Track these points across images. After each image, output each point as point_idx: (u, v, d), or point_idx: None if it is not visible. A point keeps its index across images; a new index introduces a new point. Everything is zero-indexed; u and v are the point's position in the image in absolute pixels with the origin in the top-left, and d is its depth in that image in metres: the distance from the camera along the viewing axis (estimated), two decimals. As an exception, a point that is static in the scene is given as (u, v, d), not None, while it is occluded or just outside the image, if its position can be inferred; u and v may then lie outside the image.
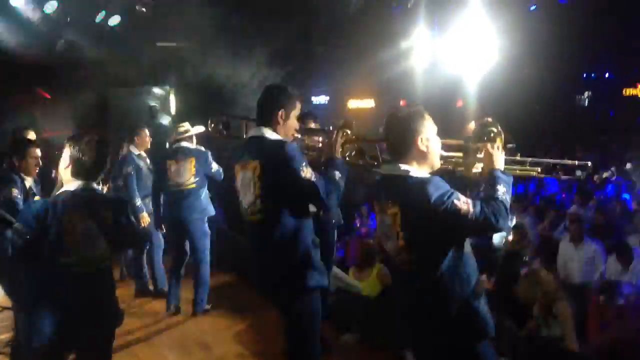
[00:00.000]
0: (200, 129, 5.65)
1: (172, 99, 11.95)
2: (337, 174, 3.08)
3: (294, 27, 9.43)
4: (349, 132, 3.23)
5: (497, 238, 8.25)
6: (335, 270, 5.58)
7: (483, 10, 10.52)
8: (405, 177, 2.54)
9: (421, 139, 2.58)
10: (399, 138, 2.63)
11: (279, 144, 3.03)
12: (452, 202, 2.39)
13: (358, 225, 9.78)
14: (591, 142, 16.57)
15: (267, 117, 3.13)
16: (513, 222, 7.84)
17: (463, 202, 2.41)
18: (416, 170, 2.58)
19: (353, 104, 20.14)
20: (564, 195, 10.60)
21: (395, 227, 2.55)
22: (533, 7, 12.84)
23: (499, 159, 2.71)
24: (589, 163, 3.38)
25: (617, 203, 9.11)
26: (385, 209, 2.60)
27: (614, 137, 16.97)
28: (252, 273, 3.31)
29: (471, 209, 2.40)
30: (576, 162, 3.31)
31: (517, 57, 13.10)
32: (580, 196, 8.81)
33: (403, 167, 2.58)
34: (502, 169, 2.68)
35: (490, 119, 2.89)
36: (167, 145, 6.14)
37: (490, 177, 2.62)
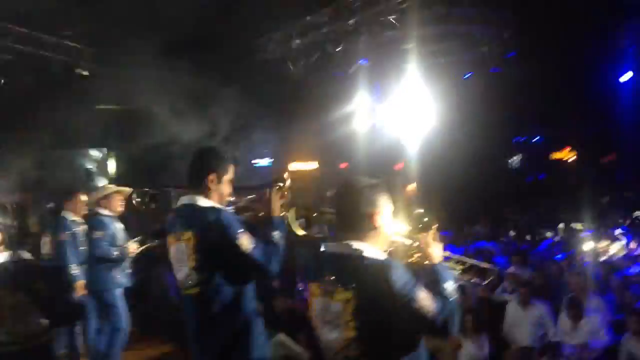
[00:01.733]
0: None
1: (111, 163, 11.71)
2: (277, 234, 2.93)
3: (237, 90, 9.50)
4: (282, 185, 3.07)
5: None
6: (282, 337, 5.44)
7: (421, 77, 10.98)
8: (360, 258, 2.24)
9: (379, 214, 2.32)
10: (353, 210, 2.32)
11: (212, 212, 2.87)
12: (415, 293, 2.14)
13: (301, 288, 9.62)
14: (525, 203, 17.21)
15: (197, 182, 2.97)
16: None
17: (424, 297, 2.15)
18: (370, 250, 2.28)
19: (295, 166, 20.27)
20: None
21: (345, 316, 2.20)
22: (467, 75, 13.51)
23: (436, 250, 2.55)
24: (497, 270, 3.36)
25: (553, 263, 9.40)
26: (332, 292, 2.25)
27: (544, 199, 17.72)
28: (190, 349, 3.10)
29: (432, 306, 2.15)
30: (487, 266, 3.28)
31: (453, 121, 13.66)
32: (518, 257, 9.04)
33: (355, 244, 2.27)
34: (440, 261, 2.52)
35: (422, 210, 2.73)
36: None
37: (433, 272, 2.40)
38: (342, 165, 16.09)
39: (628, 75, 15.33)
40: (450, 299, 2.24)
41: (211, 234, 2.80)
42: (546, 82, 15.28)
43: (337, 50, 11.62)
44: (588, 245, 10.09)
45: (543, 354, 5.86)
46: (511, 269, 8.01)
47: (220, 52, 10.44)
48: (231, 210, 3.04)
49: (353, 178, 2.45)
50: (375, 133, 13.53)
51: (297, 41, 11.62)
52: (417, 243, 2.63)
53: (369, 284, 2.16)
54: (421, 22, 10.11)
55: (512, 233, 13.76)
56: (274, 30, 11.81)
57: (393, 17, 10.39)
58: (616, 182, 22.32)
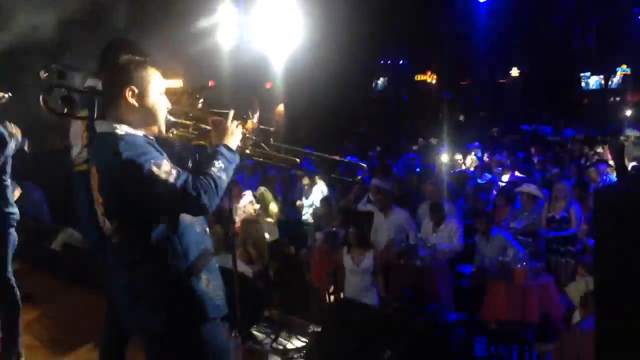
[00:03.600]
0: None
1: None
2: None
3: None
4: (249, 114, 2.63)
5: (307, 213, 8.55)
6: None
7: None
8: (108, 135, 2.17)
9: (132, 90, 2.19)
10: (107, 87, 2.27)
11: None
12: (149, 165, 2.07)
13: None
14: (389, 122, 17.87)
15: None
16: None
17: (164, 171, 2.08)
18: (127, 129, 2.18)
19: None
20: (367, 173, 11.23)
21: (97, 190, 2.23)
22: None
23: (233, 136, 2.37)
24: (365, 165, 3.22)
25: (412, 174, 9.89)
26: (93, 169, 2.27)
27: (408, 119, 18.55)
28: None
29: (171, 179, 2.08)
30: (352, 162, 3.14)
31: (320, 39, 13.54)
32: (381, 169, 9.35)
33: (113, 124, 2.18)
34: (233, 147, 2.34)
35: (254, 98, 2.61)
36: None
37: (212, 151, 2.30)
38: (210, 84, 15.49)
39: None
40: (212, 175, 2.18)
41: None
42: (407, 7, 15.62)
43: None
44: (444, 158, 10.70)
45: (401, 256, 6.15)
46: (374, 181, 8.27)
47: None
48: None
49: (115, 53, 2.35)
50: (242, 50, 13.07)
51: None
52: (199, 123, 2.45)
53: (102, 157, 2.18)
54: None
55: (377, 149, 14.27)
56: None
57: None
58: (473, 103, 23.88)
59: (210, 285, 2.25)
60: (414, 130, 16.32)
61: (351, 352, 3.35)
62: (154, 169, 2.07)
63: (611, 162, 8.46)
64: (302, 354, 3.89)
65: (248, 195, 8.04)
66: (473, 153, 12.36)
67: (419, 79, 24.95)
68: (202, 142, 2.47)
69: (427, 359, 3.16)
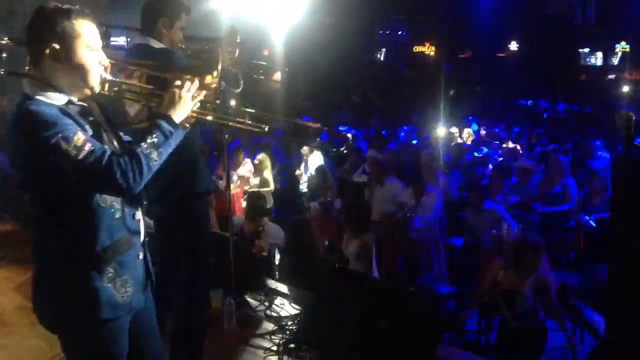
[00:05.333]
0: None
1: None
2: (222, 84, 2.60)
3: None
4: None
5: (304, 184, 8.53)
6: None
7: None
8: (20, 103, 1.91)
9: (53, 46, 1.91)
10: (28, 45, 1.97)
11: (166, 52, 2.85)
12: (56, 139, 1.81)
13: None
14: (387, 93, 17.75)
15: (151, 25, 2.91)
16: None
17: (74, 146, 1.81)
18: (42, 97, 1.91)
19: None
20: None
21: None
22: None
23: (180, 106, 2.03)
24: (349, 136, 3.18)
25: (409, 146, 9.87)
26: None
27: (406, 90, 18.44)
28: None
29: (81, 155, 1.82)
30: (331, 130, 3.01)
31: (321, 9, 13.33)
32: (377, 141, 9.34)
33: (30, 89, 1.93)
34: (176, 120, 2.01)
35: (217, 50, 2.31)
36: None
37: (150, 123, 1.99)
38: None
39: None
40: (141, 153, 1.90)
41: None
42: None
43: None
44: (441, 131, 10.67)
45: (396, 227, 6.17)
46: (370, 152, 8.25)
47: None
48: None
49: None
50: (239, 16, 12.82)
51: None
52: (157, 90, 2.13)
53: (10, 126, 1.89)
54: None
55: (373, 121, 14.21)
56: None
57: None
58: (470, 76, 23.72)
59: (117, 281, 1.98)
60: (410, 102, 16.23)
61: (345, 321, 3.37)
62: (62, 143, 1.81)
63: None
64: (296, 322, 3.91)
65: (248, 164, 8.02)
66: (470, 127, 12.35)
67: (417, 50, 24.72)
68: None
69: (420, 331, 3.18)
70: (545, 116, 17.95)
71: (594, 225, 6.06)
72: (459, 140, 11.18)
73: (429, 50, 24.80)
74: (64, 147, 1.82)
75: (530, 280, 4.17)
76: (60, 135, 1.82)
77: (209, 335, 3.20)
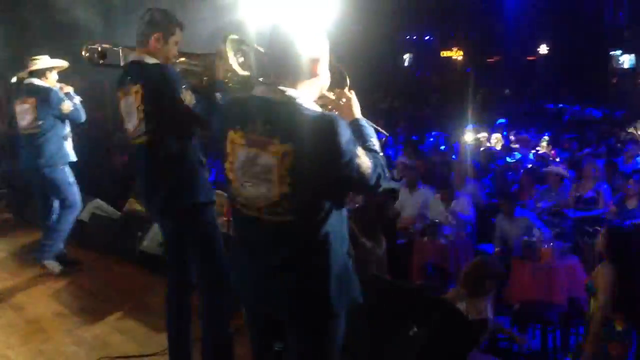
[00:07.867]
0: (59, 62, 4.98)
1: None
2: (219, 95, 3.02)
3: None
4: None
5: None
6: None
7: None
8: (298, 107, 1.94)
9: (321, 61, 2.04)
10: (294, 53, 1.99)
11: (158, 67, 2.99)
12: (357, 149, 1.92)
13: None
14: (415, 99, 17.70)
15: (145, 40, 3.03)
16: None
17: (362, 154, 1.95)
18: (305, 100, 1.97)
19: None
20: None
21: (280, 170, 1.93)
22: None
23: (357, 105, 2.27)
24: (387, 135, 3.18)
25: (438, 152, 9.81)
26: (265, 144, 1.96)
27: (432, 94, 18.35)
28: (139, 194, 3.54)
29: (369, 163, 1.96)
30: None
31: (347, 12, 13.37)
32: (407, 147, 9.34)
33: (290, 91, 1.96)
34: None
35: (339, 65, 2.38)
36: (15, 80, 5.29)
37: (357, 127, 2.16)
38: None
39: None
40: (380, 154, 2.08)
41: (157, 86, 2.94)
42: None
43: None
44: (469, 137, 10.57)
45: (425, 233, 6.15)
46: (401, 158, 8.25)
47: None
48: (176, 69, 3.09)
49: (288, 20, 2.05)
50: (266, 23, 12.96)
51: None
52: (335, 97, 2.31)
53: (312, 138, 1.89)
54: None
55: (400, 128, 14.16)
56: None
57: None
58: (498, 81, 23.50)
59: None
60: (438, 108, 16.14)
61: (377, 327, 3.36)
62: (359, 152, 1.96)
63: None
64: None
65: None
66: (498, 132, 12.20)
67: (444, 55, 24.59)
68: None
69: (452, 338, 3.16)
70: (573, 120, 17.66)
71: (628, 230, 5.93)
72: (487, 145, 11.06)
73: (456, 55, 24.65)
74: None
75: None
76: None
77: (238, 340, 3.19)
